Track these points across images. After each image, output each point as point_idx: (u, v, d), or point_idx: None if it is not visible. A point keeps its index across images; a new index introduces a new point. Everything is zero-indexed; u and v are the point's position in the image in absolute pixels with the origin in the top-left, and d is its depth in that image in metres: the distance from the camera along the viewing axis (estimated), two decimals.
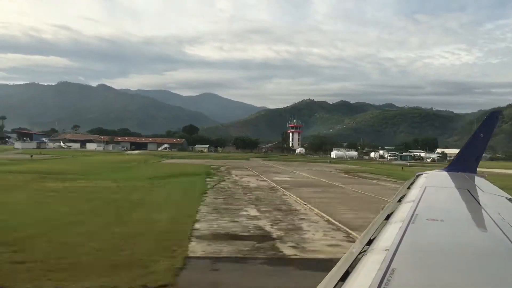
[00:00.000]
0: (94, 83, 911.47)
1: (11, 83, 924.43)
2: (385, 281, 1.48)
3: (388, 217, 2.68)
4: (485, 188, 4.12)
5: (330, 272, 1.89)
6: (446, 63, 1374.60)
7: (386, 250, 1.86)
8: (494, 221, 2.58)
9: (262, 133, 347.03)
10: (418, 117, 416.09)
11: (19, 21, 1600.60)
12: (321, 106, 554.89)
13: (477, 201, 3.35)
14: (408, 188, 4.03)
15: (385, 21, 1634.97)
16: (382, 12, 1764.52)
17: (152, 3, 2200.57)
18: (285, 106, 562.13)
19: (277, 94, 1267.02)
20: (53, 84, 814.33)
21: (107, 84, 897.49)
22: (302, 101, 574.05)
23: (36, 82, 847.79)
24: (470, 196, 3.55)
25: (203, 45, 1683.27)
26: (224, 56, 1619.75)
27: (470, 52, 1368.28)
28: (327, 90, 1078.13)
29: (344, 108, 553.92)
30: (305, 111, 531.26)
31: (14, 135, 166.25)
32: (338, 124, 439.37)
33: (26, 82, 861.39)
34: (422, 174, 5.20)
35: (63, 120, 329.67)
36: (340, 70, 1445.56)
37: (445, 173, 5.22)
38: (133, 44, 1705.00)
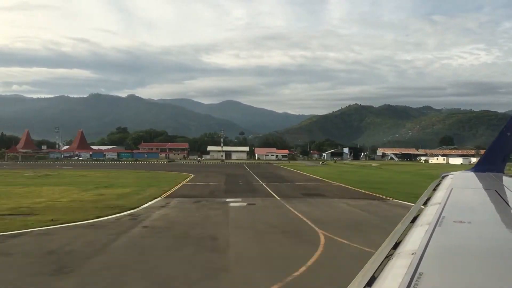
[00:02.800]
0: (118, 94, 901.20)
1: (42, 96, 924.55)
2: (412, 285, 1.44)
3: (414, 220, 2.61)
4: None
5: (356, 277, 1.81)
6: (464, 63, 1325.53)
7: (412, 253, 1.80)
8: None
9: (317, 139, 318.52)
10: (495, 119, 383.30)
11: (38, 35, 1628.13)
12: (369, 110, 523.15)
13: (506, 202, 3.18)
14: (434, 189, 3.86)
15: (401, 23, 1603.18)
16: (398, 14, 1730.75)
17: (168, 13, 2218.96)
18: (331, 111, 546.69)
19: (296, 99, 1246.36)
20: (85, 96, 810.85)
21: (136, 94, 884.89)
22: (349, 106, 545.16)
23: (66, 95, 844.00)
24: (498, 197, 3.38)
25: (219, 53, 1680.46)
26: (241, 63, 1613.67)
27: (489, 52, 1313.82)
28: (345, 94, 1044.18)
29: (389, 112, 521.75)
30: (355, 116, 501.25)
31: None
32: (401, 128, 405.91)
33: (55, 95, 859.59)
34: (448, 175, 4.89)
35: (102, 132, 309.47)
36: (356, 73, 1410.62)
37: (472, 174, 5.01)
38: (151, 54, 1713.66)
